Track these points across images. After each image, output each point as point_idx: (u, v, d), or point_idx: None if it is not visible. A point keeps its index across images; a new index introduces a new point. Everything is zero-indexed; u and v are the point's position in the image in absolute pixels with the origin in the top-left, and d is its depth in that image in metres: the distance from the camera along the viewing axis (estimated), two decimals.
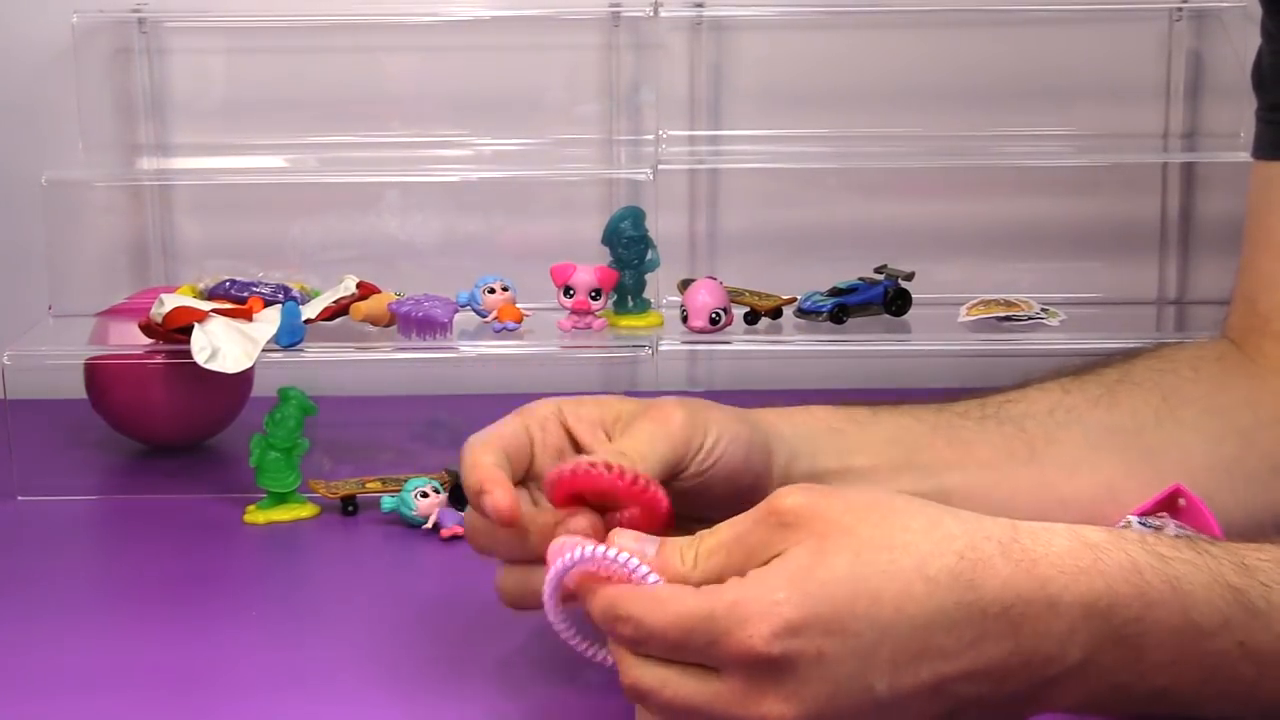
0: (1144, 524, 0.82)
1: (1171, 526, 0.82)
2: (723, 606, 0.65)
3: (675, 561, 0.69)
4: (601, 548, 0.68)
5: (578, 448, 0.80)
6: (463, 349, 1.12)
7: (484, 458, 0.77)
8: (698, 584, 0.67)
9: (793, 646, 0.64)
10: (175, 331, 1.10)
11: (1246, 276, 0.95)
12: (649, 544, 0.69)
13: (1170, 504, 0.83)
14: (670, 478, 0.76)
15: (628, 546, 0.69)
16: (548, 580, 0.70)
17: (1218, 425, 0.88)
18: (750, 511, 0.69)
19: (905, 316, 1.17)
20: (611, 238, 1.15)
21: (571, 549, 0.69)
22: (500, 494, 0.75)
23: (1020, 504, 0.82)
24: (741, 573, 0.66)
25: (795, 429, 0.83)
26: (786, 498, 0.67)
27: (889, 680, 0.65)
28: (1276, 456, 0.88)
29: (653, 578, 0.68)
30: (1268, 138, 0.95)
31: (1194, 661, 0.66)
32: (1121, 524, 0.82)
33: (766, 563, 0.66)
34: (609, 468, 0.72)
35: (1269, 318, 0.92)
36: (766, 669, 0.65)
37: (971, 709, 0.67)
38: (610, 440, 0.79)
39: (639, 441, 0.77)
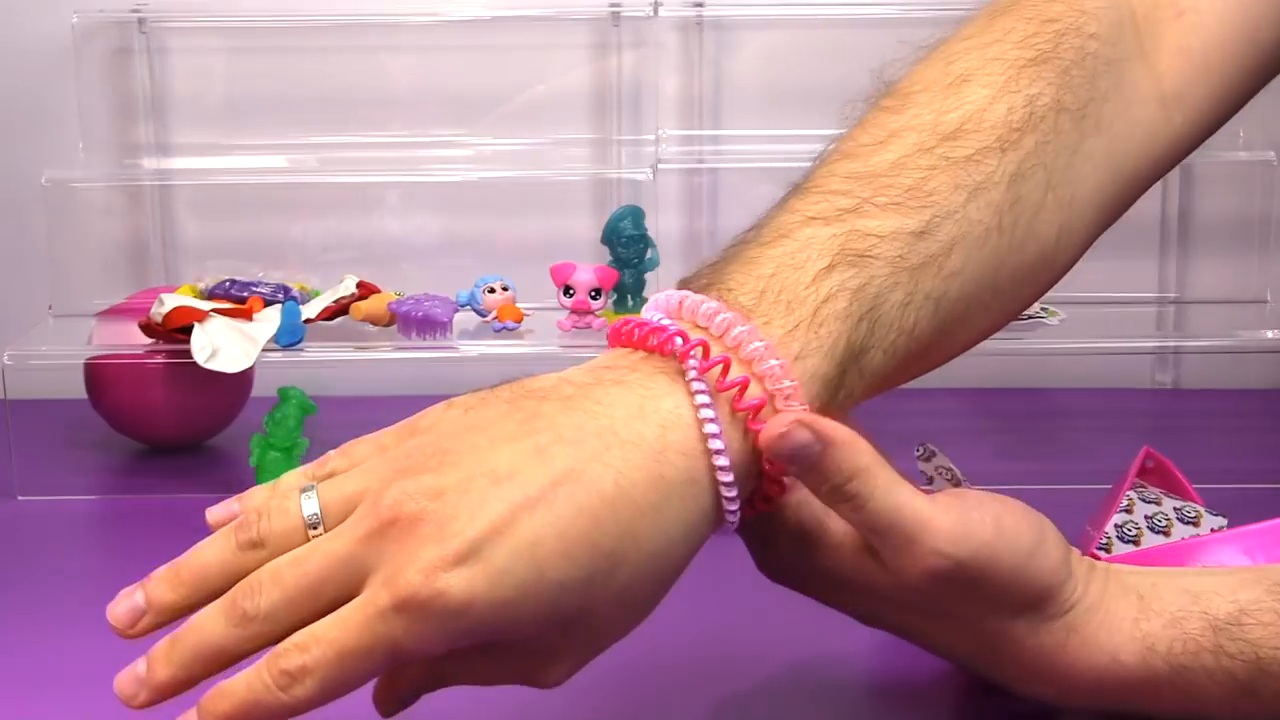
0: (1144, 499, 0.84)
1: (1168, 503, 0.84)
2: None
3: None
4: None
5: None
6: (463, 349, 1.13)
7: None
8: None
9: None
10: (175, 331, 1.10)
11: None
12: None
13: (1141, 468, 0.88)
14: None
15: None
16: None
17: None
18: None
19: None
20: (611, 237, 1.15)
21: None
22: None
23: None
24: None
25: None
26: None
27: None
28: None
29: None
30: None
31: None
32: (1124, 504, 0.83)
33: None
34: None
35: None
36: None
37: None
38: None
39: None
